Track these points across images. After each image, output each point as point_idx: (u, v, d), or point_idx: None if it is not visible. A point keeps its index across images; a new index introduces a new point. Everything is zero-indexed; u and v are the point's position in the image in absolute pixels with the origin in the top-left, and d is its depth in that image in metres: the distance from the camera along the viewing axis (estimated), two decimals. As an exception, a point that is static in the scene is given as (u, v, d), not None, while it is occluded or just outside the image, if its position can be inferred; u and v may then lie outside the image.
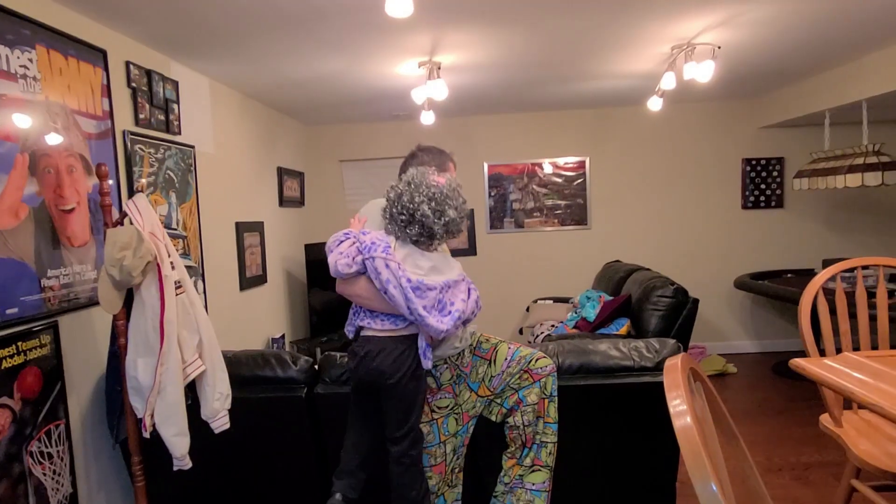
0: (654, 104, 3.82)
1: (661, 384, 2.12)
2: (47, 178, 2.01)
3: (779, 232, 5.28)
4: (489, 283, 5.43)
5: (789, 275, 5.00)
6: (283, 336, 4.30)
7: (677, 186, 5.30)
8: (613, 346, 2.24)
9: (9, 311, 1.82)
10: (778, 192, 5.24)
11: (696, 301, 3.64)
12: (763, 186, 5.25)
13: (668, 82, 3.33)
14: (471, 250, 5.43)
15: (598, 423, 2.18)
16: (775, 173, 5.23)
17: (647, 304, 3.71)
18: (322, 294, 4.53)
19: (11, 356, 1.81)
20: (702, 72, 2.97)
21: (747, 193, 5.26)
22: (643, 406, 2.15)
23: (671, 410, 0.83)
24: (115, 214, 2.03)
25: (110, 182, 2.32)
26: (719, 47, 3.06)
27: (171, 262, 1.96)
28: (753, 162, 5.23)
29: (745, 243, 5.30)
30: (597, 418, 2.18)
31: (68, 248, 2.09)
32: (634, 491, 2.24)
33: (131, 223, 1.90)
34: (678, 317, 3.62)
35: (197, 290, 3.11)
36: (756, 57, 3.49)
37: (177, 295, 1.95)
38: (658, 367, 2.16)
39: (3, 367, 1.77)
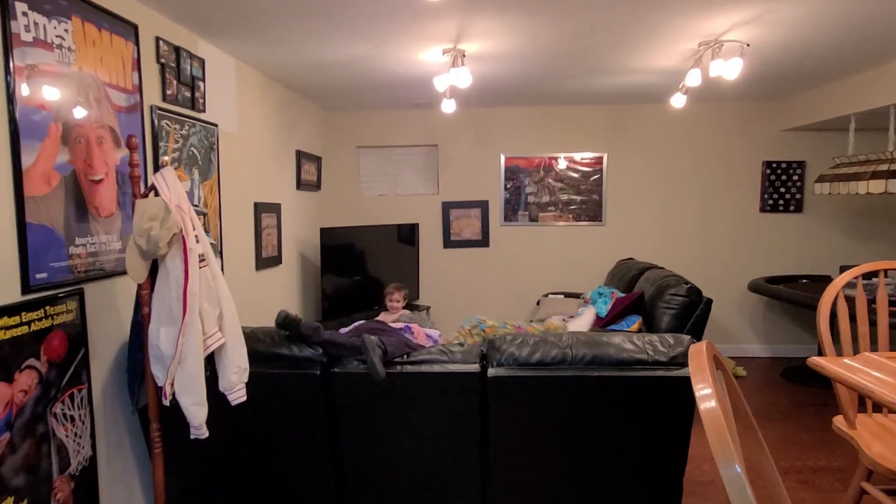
0: (678, 101, 3.80)
1: (673, 379, 2.14)
2: (78, 147, 2.05)
3: (796, 236, 5.24)
4: (500, 275, 5.45)
5: (805, 280, 4.97)
6: (295, 317, 4.35)
7: (695, 186, 5.27)
8: (628, 340, 2.25)
9: (38, 276, 1.86)
10: (797, 196, 5.20)
11: (709, 301, 3.63)
12: (782, 190, 5.21)
13: (694, 79, 3.31)
14: (483, 242, 5.44)
15: (608, 415, 2.19)
16: (795, 177, 5.19)
17: (660, 302, 3.71)
18: (335, 279, 4.57)
19: (39, 319, 1.85)
20: (729, 69, 2.95)
21: (766, 196, 5.22)
22: (655, 400, 2.16)
23: (696, 394, 0.84)
24: (143, 187, 2.06)
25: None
26: (748, 45, 3.03)
27: (196, 236, 1.99)
28: (774, 165, 5.18)
29: (761, 246, 5.27)
30: (607, 410, 2.19)
31: (96, 217, 2.13)
32: (641, 484, 2.26)
33: (157, 195, 1.93)
34: (691, 316, 3.61)
35: (215, 266, 3.15)
36: (784, 57, 3.45)
37: (200, 268, 1.98)
38: (672, 363, 2.17)
39: (31, 330, 1.81)
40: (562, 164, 5.36)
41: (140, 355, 2.04)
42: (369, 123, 5.39)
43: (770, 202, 5.23)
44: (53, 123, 1.93)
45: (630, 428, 2.20)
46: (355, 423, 2.27)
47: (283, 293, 4.24)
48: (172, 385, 1.93)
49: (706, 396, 0.82)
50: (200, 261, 1.99)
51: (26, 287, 1.81)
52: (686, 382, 2.13)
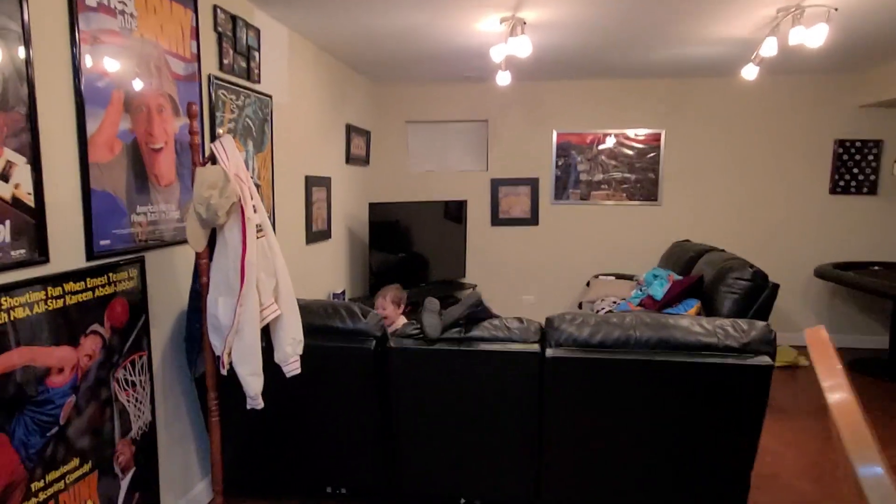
0: (750, 72, 3.55)
1: (746, 368, 2.01)
2: (139, 116, 2.04)
3: (869, 220, 4.91)
4: (549, 254, 5.32)
5: (877, 267, 4.66)
6: (343, 292, 4.36)
7: (759, 165, 4.99)
8: (696, 322, 2.12)
9: (102, 243, 1.87)
10: (872, 177, 4.85)
11: (775, 286, 3.44)
12: (855, 170, 4.87)
13: (769, 48, 3.08)
14: (532, 220, 5.31)
15: (672, 402, 2.09)
16: (871, 157, 4.84)
17: (722, 285, 3.53)
18: (382, 255, 4.55)
19: (103, 286, 1.87)
20: (812, 36, 2.72)
21: (837, 177, 4.90)
22: (724, 389, 2.04)
23: (824, 384, 0.74)
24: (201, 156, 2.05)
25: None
26: (836, 9, 2.79)
27: (254, 206, 1.97)
28: (847, 143, 4.84)
29: (830, 230, 4.96)
30: (672, 397, 2.08)
31: (156, 186, 2.14)
32: (705, 477, 2.15)
33: (215, 163, 1.91)
34: (755, 302, 3.44)
35: (268, 239, 3.15)
36: (872, 23, 3.17)
37: (257, 238, 1.96)
38: (745, 350, 2.04)
39: (95, 296, 1.84)
40: (616, 141, 5.15)
41: (198, 324, 2.05)
42: (418, 97, 5.30)
43: (841, 183, 4.91)
44: (116, 91, 1.93)
45: (696, 417, 2.09)
46: (408, 400, 2.24)
47: (331, 267, 4.25)
48: (230, 354, 1.94)
49: (837, 386, 0.72)
50: (258, 231, 1.97)
51: (90, 253, 1.83)
52: (760, 372, 2.00)
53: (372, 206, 4.44)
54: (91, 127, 1.82)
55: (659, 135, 5.09)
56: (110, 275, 1.90)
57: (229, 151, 1.94)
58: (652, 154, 5.13)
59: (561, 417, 2.16)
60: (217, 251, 1.95)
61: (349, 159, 4.59)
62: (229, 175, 1.86)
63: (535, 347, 2.14)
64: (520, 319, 2.27)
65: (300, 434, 2.35)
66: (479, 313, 2.22)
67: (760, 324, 2.11)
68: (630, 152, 5.15)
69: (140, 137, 2.05)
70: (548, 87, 5.13)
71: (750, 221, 5.05)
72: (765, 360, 2.00)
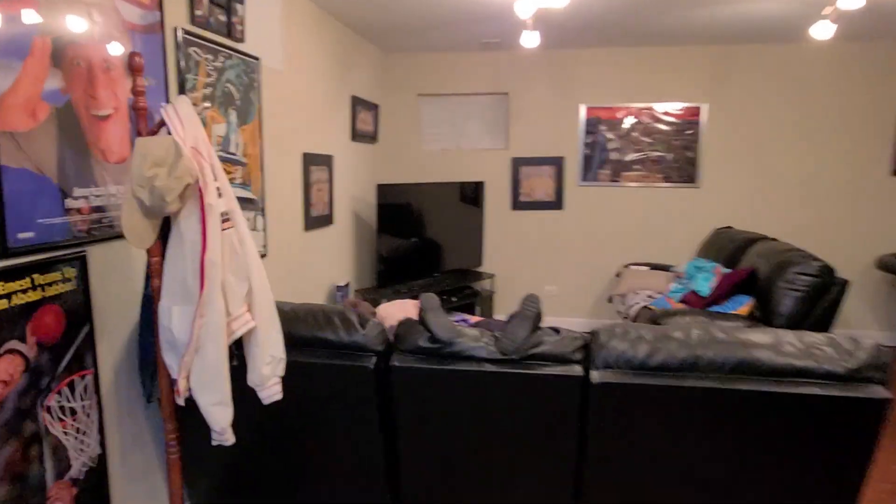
0: (822, 31, 3.02)
1: (856, 401, 1.55)
2: (76, 72, 1.61)
3: (939, 206, 4.37)
4: (575, 242, 4.85)
5: (948, 258, 4.13)
6: (347, 284, 3.94)
7: (811, 143, 4.44)
8: (785, 340, 1.66)
9: (21, 236, 1.45)
10: (944, 156, 4.30)
11: (845, 283, 2.97)
12: (925, 149, 4.32)
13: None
14: (557, 204, 4.83)
15: (756, 442, 1.63)
16: (943, 133, 4.27)
17: (781, 281, 3.07)
18: (392, 241, 4.11)
19: (24, 291, 1.46)
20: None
21: (902, 157, 4.35)
22: (825, 427, 1.58)
23: None
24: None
25: (149, 83, 1.91)
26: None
27: (218, 189, 1.54)
28: (916, 118, 4.28)
29: (893, 216, 4.42)
30: (755, 436, 1.63)
31: (102, 163, 1.71)
32: (791, 530, 1.71)
33: (169, 133, 1.48)
34: (820, 301, 2.98)
35: (257, 226, 2.73)
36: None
37: (223, 230, 1.53)
38: (852, 377, 1.57)
39: (12, 305, 1.42)
40: (651, 116, 4.63)
41: (152, 339, 1.64)
42: (432, 68, 4.80)
43: (906, 164, 4.36)
44: (39, 37, 1.49)
45: (784, 460, 1.63)
46: (415, 427, 1.82)
47: (334, 256, 3.83)
48: (188, 379, 1.52)
49: None
50: (223, 220, 1.54)
51: (4, 250, 1.41)
52: (873, 406, 1.54)
53: (380, 188, 3.99)
54: (2, 84, 1.39)
55: (699, 109, 4.56)
56: (35, 277, 1.49)
57: (185, 118, 1.50)
58: (691, 131, 4.60)
59: (607, 456, 1.72)
60: (170, 247, 1.52)
61: (355, 136, 4.13)
62: (182, 148, 1.42)
63: (577, 369, 1.69)
64: (556, 329, 1.82)
65: (289, 462, 1.95)
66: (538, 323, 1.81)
67: (868, 343, 1.64)
68: (666, 128, 4.63)
69: (77, 100, 1.62)
70: (575, 56, 4.60)
71: (800, 206, 4.53)
72: (879, 391, 1.54)
